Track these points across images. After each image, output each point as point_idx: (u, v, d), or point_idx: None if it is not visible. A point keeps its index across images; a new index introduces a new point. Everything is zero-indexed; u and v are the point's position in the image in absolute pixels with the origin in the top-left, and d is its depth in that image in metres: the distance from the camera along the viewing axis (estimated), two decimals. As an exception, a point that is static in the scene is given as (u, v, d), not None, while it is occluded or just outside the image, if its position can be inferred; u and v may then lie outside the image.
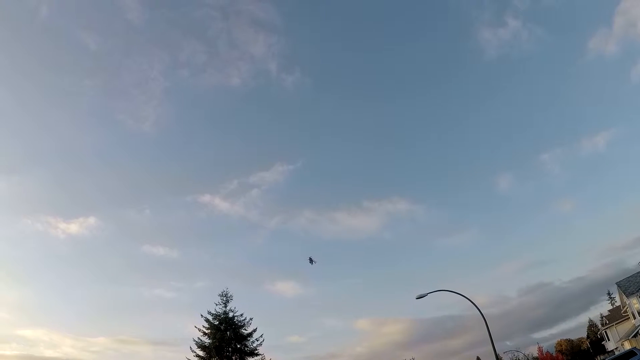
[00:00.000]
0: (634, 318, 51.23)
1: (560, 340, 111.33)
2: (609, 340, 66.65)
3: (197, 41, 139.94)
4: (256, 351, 38.18)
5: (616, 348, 59.40)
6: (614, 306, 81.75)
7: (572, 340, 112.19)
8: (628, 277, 53.35)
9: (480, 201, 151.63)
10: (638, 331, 47.08)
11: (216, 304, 38.97)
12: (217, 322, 37.80)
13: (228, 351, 37.13)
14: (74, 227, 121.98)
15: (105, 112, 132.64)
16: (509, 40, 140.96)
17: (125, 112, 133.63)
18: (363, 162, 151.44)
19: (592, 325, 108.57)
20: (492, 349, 26.97)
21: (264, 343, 38.51)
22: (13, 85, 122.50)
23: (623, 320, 59.51)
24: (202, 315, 38.40)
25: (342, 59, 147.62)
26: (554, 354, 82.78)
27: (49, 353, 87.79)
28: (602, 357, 77.84)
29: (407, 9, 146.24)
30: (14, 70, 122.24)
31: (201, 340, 37.44)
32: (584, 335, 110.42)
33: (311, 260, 48.35)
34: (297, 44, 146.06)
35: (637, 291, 47.60)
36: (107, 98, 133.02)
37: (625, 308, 56.88)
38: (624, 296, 51.60)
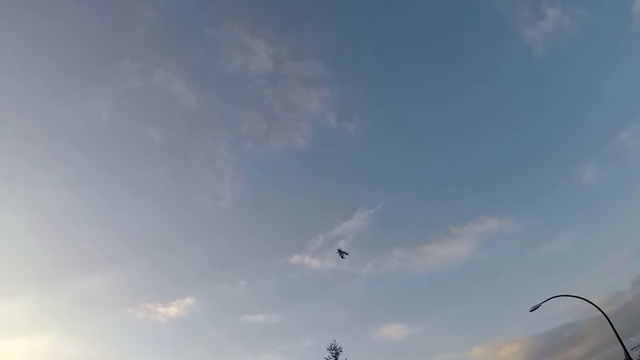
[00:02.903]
0: None
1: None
2: None
3: (254, 112, 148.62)
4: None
5: None
6: None
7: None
8: None
9: (568, 198, 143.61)
10: None
11: (326, 358, 39.51)
12: (330, 376, 37.79)
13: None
14: (173, 310, 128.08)
15: (182, 196, 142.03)
16: (553, 30, 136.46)
17: (201, 193, 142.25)
18: (442, 189, 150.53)
19: None
20: (617, 349, 25.05)
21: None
22: (88, 189, 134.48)
23: None
24: (314, 372, 38.91)
25: (393, 93, 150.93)
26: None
27: None
28: None
29: (444, 28, 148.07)
30: (87, 175, 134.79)
31: (317, 396, 37.69)
32: None
33: (341, 253, 45.12)
34: (349, 92, 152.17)
35: None
36: (182, 182, 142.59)
37: None
38: None
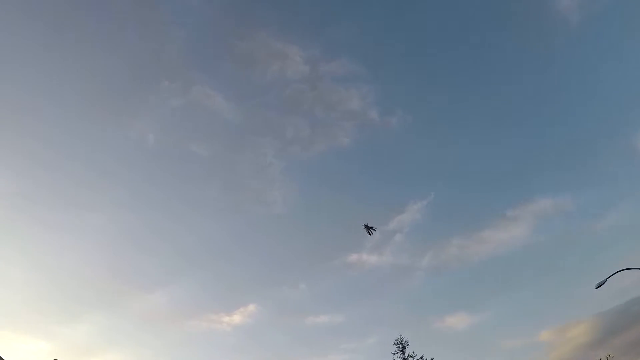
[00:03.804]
0: None
1: None
2: None
3: (296, 116, 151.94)
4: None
5: None
6: None
7: None
8: None
9: (623, 168, 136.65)
10: None
11: (393, 353, 39.23)
12: (398, 371, 38.14)
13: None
14: (236, 318, 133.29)
15: (234, 206, 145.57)
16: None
17: (253, 202, 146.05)
18: (492, 172, 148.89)
19: None
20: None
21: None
22: (142, 208, 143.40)
23: None
24: (381, 368, 38.79)
25: (433, 82, 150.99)
26: None
27: None
28: None
29: (479, 12, 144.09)
30: (140, 195, 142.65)
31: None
32: None
33: (368, 229, 41.89)
34: (389, 85, 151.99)
35: None
36: (232, 193, 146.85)
37: None
38: None
